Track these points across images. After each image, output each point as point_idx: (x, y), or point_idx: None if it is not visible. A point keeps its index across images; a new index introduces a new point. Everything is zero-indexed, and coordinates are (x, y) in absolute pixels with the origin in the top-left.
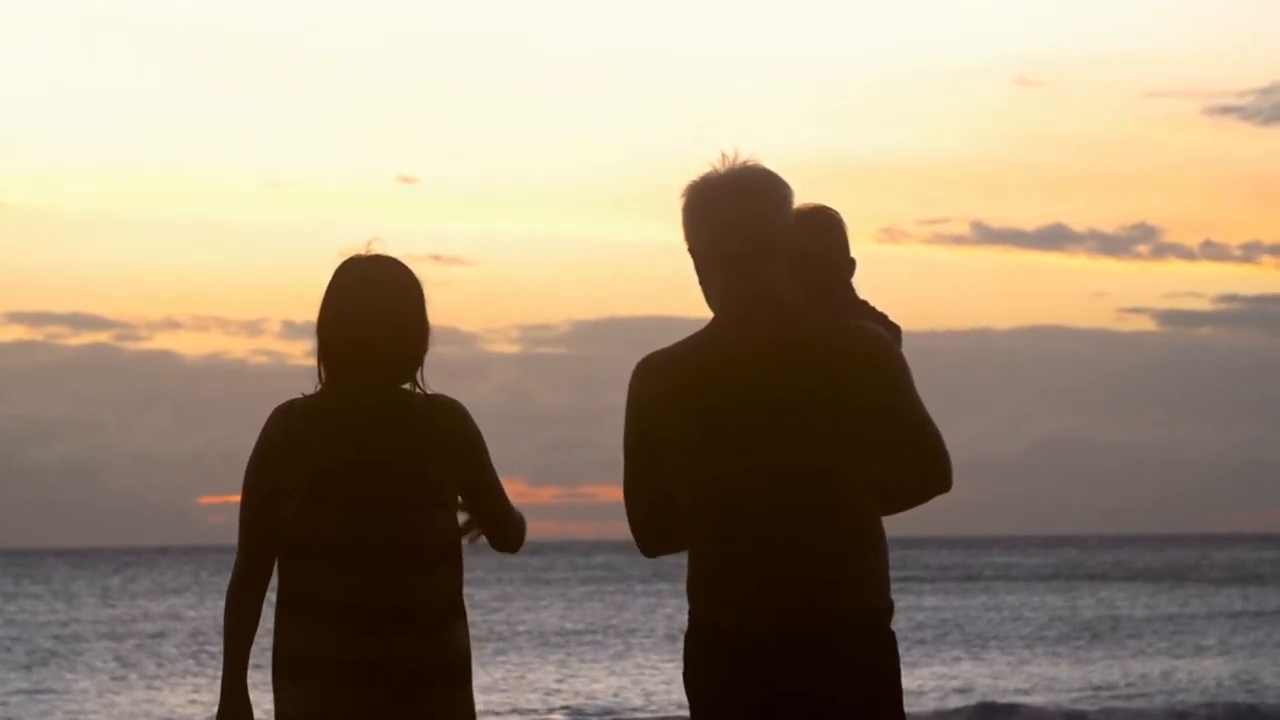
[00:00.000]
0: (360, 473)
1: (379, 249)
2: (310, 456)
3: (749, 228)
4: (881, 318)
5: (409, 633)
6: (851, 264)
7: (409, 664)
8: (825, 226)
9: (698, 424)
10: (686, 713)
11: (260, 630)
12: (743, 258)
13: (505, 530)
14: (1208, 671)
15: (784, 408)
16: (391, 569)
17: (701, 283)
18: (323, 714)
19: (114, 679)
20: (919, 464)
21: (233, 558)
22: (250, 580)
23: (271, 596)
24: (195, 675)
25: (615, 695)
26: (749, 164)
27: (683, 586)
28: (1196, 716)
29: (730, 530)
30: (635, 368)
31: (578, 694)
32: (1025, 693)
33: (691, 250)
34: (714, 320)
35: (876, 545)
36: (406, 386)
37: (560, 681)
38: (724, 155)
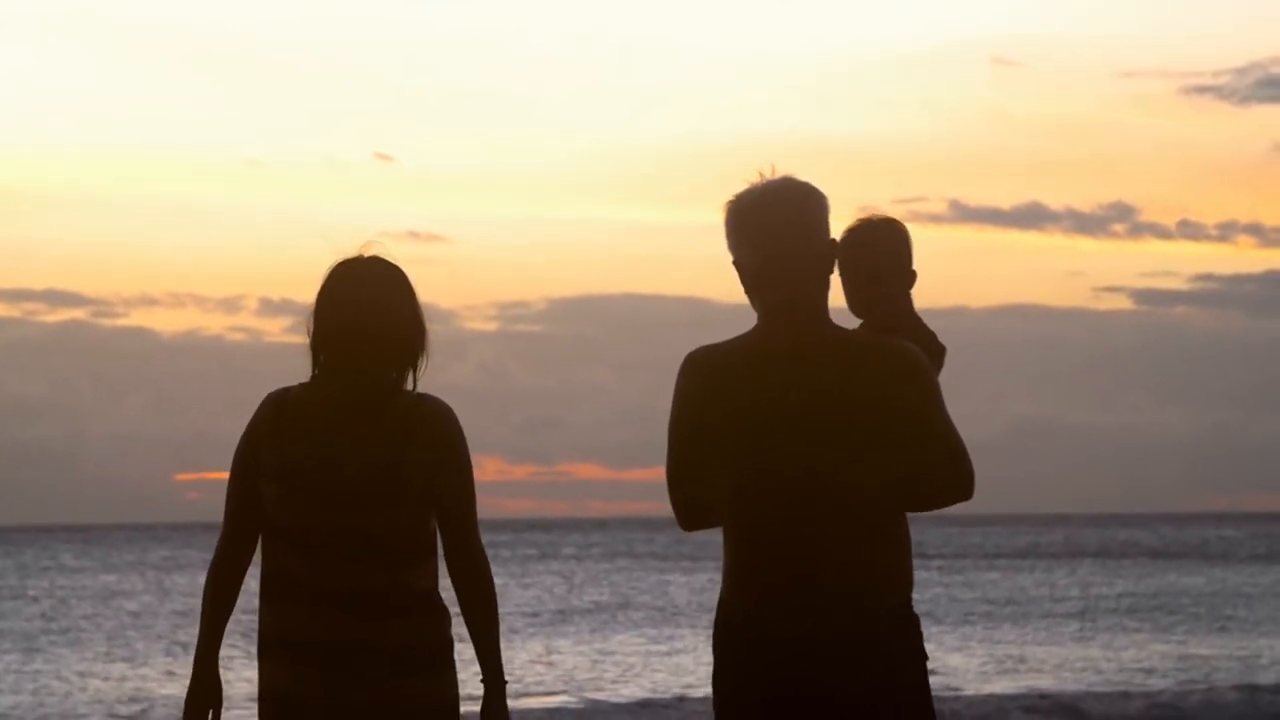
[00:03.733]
0: (335, 463)
1: (375, 251)
2: (291, 443)
3: (790, 242)
4: (930, 336)
5: (374, 621)
6: (911, 277)
7: (372, 651)
8: (889, 239)
9: (734, 421)
10: (666, 697)
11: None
12: (787, 271)
13: (469, 553)
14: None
15: (815, 411)
16: (358, 559)
17: (747, 291)
18: (291, 692)
19: (98, 657)
20: (940, 471)
21: (209, 535)
22: (230, 559)
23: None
24: (170, 654)
25: (611, 677)
26: (788, 179)
27: (661, 564)
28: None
29: (761, 525)
30: (684, 360)
31: (574, 675)
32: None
33: (737, 263)
34: (759, 324)
35: (901, 544)
36: (405, 386)
37: (555, 663)
38: (761, 172)
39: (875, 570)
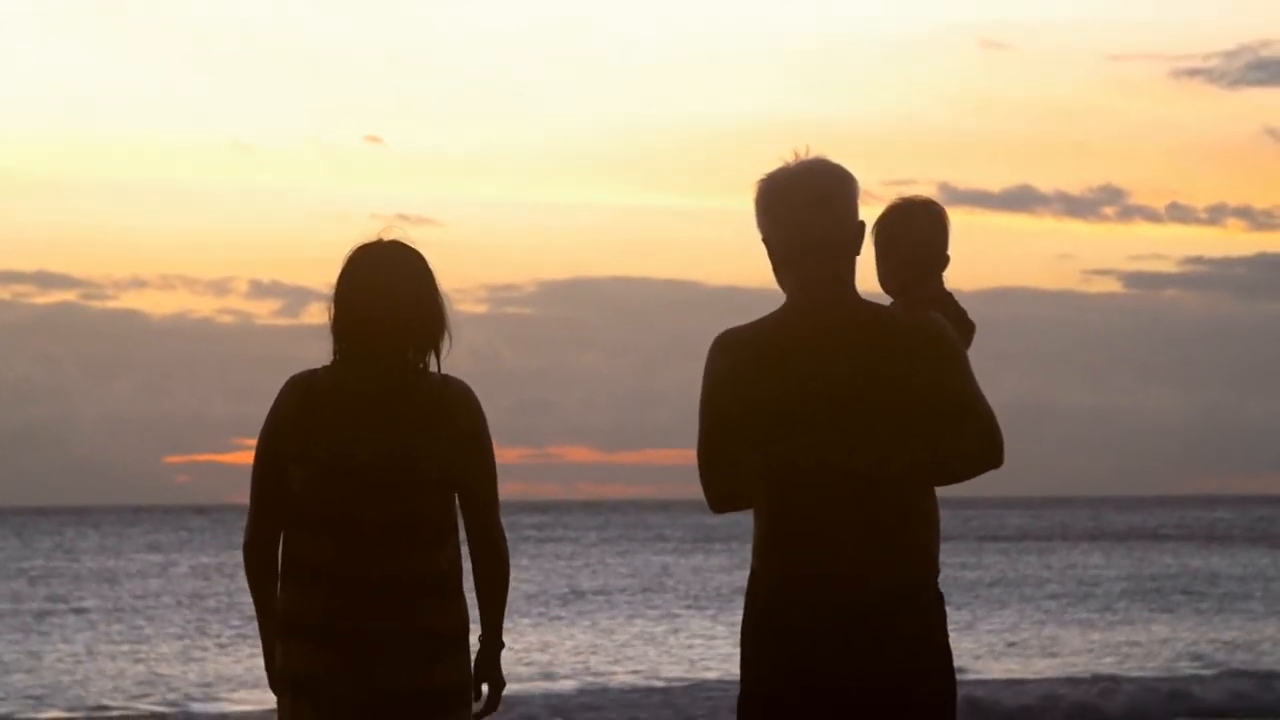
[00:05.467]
0: (365, 447)
1: (394, 235)
2: (319, 427)
3: (821, 222)
4: (961, 313)
5: (402, 603)
6: (945, 260)
7: (400, 633)
8: (926, 221)
9: (766, 402)
10: (662, 682)
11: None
12: (815, 250)
13: (492, 534)
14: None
15: (845, 390)
16: (387, 542)
17: (773, 269)
18: (317, 674)
19: (106, 638)
20: (971, 440)
21: (201, 518)
22: (260, 542)
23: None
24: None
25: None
26: (819, 159)
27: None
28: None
29: (790, 504)
30: (713, 341)
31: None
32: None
33: (766, 241)
34: (786, 304)
35: (930, 520)
36: (429, 369)
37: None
38: (796, 152)
39: (900, 548)
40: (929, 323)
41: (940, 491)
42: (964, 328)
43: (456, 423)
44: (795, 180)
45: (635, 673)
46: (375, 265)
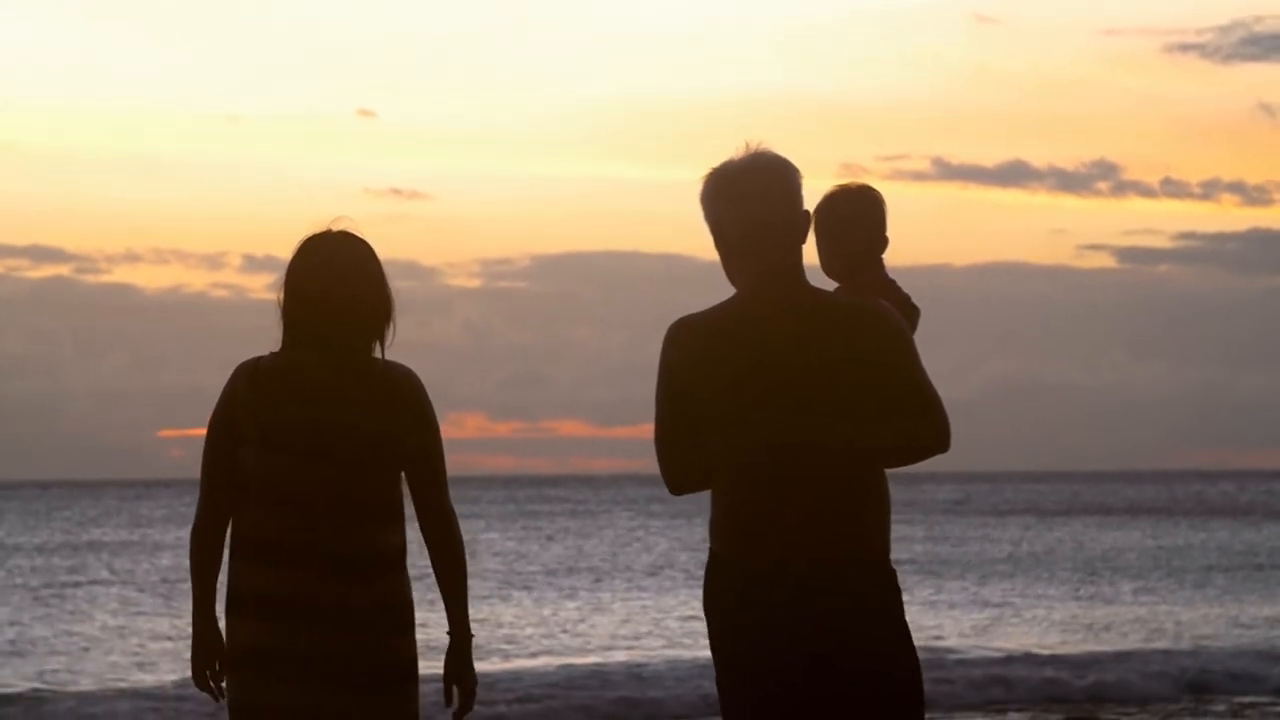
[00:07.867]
0: (319, 426)
1: (343, 225)
2: (272, 407)
3: (767, 210)
4: (905, 299)
5: (359, 578)
6: (885, 242)
7: (357, 609)
8: (865, 206)
9: (722, 386)
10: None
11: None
12: (762, 238)
13: (444, 513)
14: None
15: (796, 373)
16: (346, 520)
17: (723, 258)
18: (274, 646)
19: (118, 613)
20: (916, 423)
21: (193, 492)
22: (210, 521)
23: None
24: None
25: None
26: (765, 151)
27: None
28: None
29: (750, 482)
30: (667, 330)
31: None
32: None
33: (714, 231)
34: (737, 293)
35: (881, 497)
36: (374, 356)
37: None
38: (748, 142)
39: (851, 524)
40: (875, 306)
41: (928, 464)
42: (909, 312)
43: (404, 405)
44: (744, 172)
45: (651, 653)
46: (324, 255)
